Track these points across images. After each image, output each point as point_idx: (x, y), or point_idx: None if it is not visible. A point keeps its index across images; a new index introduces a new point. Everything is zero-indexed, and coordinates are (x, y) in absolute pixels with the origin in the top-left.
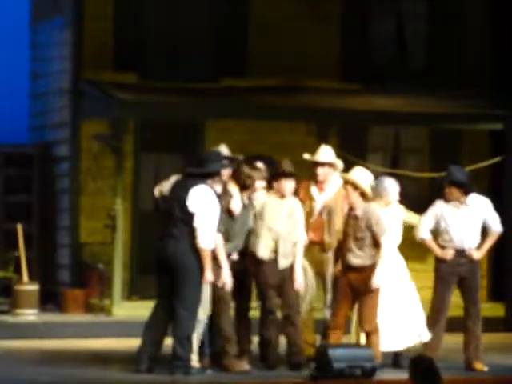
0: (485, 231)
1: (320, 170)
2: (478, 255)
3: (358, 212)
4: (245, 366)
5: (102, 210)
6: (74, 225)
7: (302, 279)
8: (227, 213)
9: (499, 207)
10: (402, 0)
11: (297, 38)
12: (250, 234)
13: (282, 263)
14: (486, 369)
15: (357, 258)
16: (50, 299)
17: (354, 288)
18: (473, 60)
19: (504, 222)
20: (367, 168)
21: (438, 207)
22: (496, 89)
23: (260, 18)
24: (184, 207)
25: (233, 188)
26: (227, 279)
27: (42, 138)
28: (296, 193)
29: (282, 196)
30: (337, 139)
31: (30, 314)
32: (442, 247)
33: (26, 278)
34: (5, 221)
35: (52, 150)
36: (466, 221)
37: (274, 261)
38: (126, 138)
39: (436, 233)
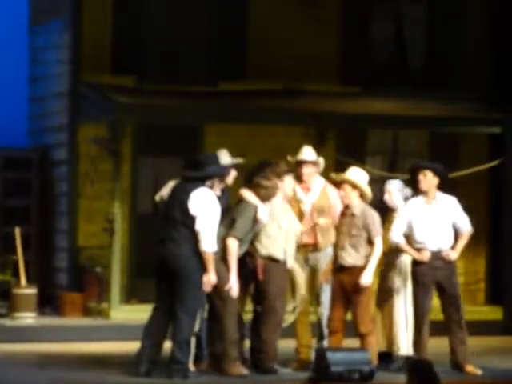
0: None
1: (305, 170)
2: (454, 255)
3: (356, 210)
4: (243, 370)
5: (100, 214)
6: (72, 228)
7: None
8: (254, 222)
9: (498, 210)
10: (401, 3)
11: (296, 41)
12: (259, 236)
13: (290, 263)
14: (479, 372)
15: (350, 257)
16: (47, 302)
17: (346, 289)
18: (472, 63)
19: (503, 225)
20: (365, 170)
21: (410, 207)
22: (495, 92)
23: (259, 21)
24: (185, 210)
25: (252, 197)
26: (234, 284)
27: (40, 142)
28: None
29: (285, 196)
30: (335, 142)
31: (27, 318)
32: (418, 250)
33: (24, 281)
34: (3, 224)
35: (50, 154)
36: (438, 220)
37: (284, 262)
38: (123, 141)
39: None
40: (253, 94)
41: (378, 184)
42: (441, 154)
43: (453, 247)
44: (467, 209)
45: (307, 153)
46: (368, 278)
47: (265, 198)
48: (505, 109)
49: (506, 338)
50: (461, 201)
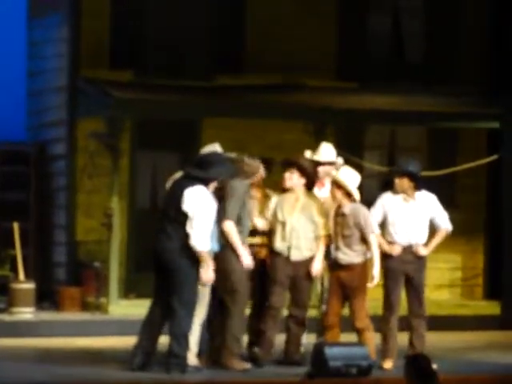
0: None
1: (321, 168)
2: (424, 252)
3: (346, 210)
4: (245, 364)
5: (98, 208)
6: (71, 223)
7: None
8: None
9: (496, 205)
10: None
11: (294, 36)
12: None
13: (294, 254)
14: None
15: (344, 255)
16: (46, 297)
17: (343, 286)
18: (470, 58)
19: (501, 220)
20: (363, 166)
21: (386, 200)
22: (493, 87)
23: (257, 15)
24: (179, 206)
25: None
26: (245, 256)
27: (38, 136)
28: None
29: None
30: (334, 137)
31: (26, 313)
32: (390, 243)
33: (22, 276)
34: (1, 219)
35: (49, 148)
36: (413, 216)
37: (288, 257)
38: (122, 136)
39: (383, 227)
40: (251, 89)
41: (376, 179)
42: (439, 149)
43: (427, 243)
44: (465, 204)
45: (325, 153)
46: (377, 273)
47: (241, 174)
48: (503, 104)
49: (504, 332)
50: (459, 196)
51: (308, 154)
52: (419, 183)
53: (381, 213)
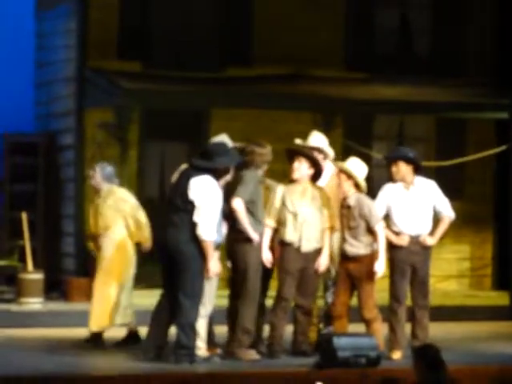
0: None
1: None
2: (431, 241)
3: (351, 201)
4: (255, 355)
5: None
6: (79, 213)
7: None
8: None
9: (505, 195)
10: None
11: (302, 26)
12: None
13: (305, 246)
14: None
15: (351, 247)
16: (54, 288)
17: (351, 276)
18: (478, 49)
19: (510, 210)
20: (372, 156)
21: (387, 191)
22: (502, 78)
23: (265, 6)
24: (186, 196)
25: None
26: (253, 235)
27: (47, 127)
28: None
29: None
30: (342, 128)
31: (34, 303)
32: (397, 234)
33: (30, 266)
34: (10, 209)
35: (57, 139)
36: (417, 204)
37: (299, 248)
38: (130, 126)
39: (388, 218)
40: (260, 80)
41: (385, 170)
42: (447, 140)
43: (432, 232)
44: (474, 194)
45: (313, 138)
46: (381, 267)
47: (253, 165)
48: (511, 94)
49: None
50: (467, 186)
51: (298, 141)
52: (416, 167)
53: (384, 205)
